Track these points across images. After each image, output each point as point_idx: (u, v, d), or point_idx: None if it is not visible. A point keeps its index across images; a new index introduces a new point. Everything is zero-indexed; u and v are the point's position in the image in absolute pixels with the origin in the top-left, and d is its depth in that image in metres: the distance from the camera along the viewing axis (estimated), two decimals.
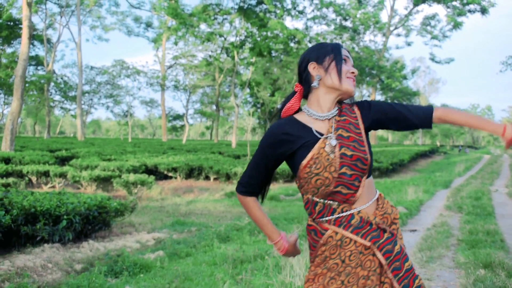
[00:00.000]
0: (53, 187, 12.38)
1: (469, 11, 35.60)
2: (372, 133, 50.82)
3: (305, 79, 1.66)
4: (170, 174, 15.55)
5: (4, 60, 41.94)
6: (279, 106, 1.71)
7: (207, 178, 15.71)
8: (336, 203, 1.57)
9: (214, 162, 16.60)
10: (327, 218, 1.58)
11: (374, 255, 1.55)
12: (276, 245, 1.71)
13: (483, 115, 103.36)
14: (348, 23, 35.14)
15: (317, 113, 1.62)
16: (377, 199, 1.66)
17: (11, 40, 40.93)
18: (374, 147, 38.12)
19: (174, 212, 9.10)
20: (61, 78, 50.48)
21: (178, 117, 58.79)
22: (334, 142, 1.55)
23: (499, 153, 47.53)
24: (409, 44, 41.47)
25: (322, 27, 37.53)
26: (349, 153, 1.54)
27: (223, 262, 4.52)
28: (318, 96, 1.64)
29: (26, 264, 4.64)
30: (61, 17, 45.10)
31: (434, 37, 39.39)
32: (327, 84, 1.62)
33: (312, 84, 1.64)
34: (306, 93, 1.68)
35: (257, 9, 29.62)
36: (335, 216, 1.57)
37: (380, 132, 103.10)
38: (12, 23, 38.24)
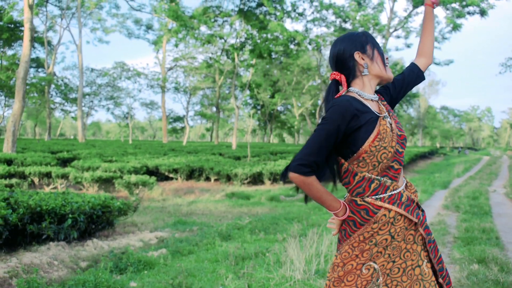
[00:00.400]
0: (55, 188, 12.48)
1: (468, 13, 35.67)
2: None
3: (352, 68, 1.76)
4: (171, 175, 15.67)
5: (4, 62, 42.11)
6: (324, 96, 1.80)
7: (207, 179, 15.83)
8: (390, 180, 1.69)
9: (215, 163, 16.72)
10: (381, 196, 1.68)
11: (415, 230, 1.71)
12: (340, 211, 1.72)
13: (483, 117, 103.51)
14: (348, 25, 35.25)
15: (368, 95, 1.74)
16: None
17: (12, 42, 41.07)
18: None
19: (176, 212, 9.22)
20: (62, 80, 50.58)
21: (179, 119, 58.93)
22: (390, 120, 1.73)
23: (499, 155, 47.67)
24: (408, 46, 41.54)
25: (322, 29, 37.62)
26: (399, 132, 1.72)
27: (225, 259, 4.64)
28: (364, 82, 1.76)
29: (33, 261, 4.77)
30: (62, 19, 45.24)
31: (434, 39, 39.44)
32: (373, 72, 1.76)
33: (362, 73, 1.75)
34: (348, 80, 1.79)
35: (257, 11, 29.76)
36: (388, 193, 1.68)
37: None
38: (13, 25, 38.41)
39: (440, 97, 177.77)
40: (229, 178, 15.12)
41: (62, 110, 54.70)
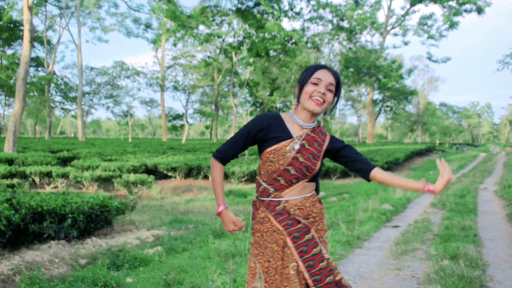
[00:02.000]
0: (56, 187, 12.75)
1: (465, 10, 35.88)
2: (370, 132, 51.28)
3: (298, 96, 2.11)
4: (169, 173, 15.94)
5: (4, 62, 42.32)
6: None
7: (205, 177, 16.10)
8: (273, 189, 2.04)
9: None
10: (263, 199, 2.07)
11: (285, 236, 2.03)
12: (219, 207, 2.11)
13: (483, 113, 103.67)
14: (345, 24, 35.45)
15: (298, 120, 2.07)
16: (309, 197, 2.08)
17: (11, 42, 41.29)
18: (371, 146, 38.36)
19: (173, 210, 9.49)
20: (62, 79, 50.84)
21: (178, 116, 59.18)
22: (297, 146, 2.03)
23: (498, 151, 47.83)
24: (406, 43, 41.80)
25: (319, 27, 37.81)
26: (301, 159, 2.02)
27: (216, 256, 4.92)
28: (298, 109, 2.11)
29: (34, 259, 5.05)
30: (61, 18, 45.46)
31: (431, 37, 39.71)
32: (300, 101, 2.08)
33: (295, 101, 2.14)
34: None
35: (255, 10, 29.93)
36: (269, 199, 2.05)
37: (380, 130, 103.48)
38: (12, 25, 38.62)
39: (439, 94, 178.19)
40: (226, 176, 15.39)
41: (62, 108, 54.97)
